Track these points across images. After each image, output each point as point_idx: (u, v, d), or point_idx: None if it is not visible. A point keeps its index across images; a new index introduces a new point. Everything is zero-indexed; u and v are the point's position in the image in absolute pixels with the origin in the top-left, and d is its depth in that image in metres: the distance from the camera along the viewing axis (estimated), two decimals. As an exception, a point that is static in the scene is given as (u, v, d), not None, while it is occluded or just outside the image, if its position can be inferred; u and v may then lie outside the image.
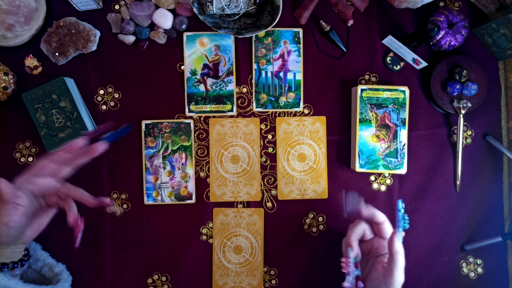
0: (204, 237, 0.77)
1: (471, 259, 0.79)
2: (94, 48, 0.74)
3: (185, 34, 0.76)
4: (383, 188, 0.78)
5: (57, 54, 0.73)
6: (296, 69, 0.77)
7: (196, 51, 0.77)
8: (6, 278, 0.59)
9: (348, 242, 0.66)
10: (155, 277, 0.77)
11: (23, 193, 0.58)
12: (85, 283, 0.75)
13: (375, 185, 0.78)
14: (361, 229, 0.67)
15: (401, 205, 0.62)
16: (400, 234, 0.62)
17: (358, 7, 0.77)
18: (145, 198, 0.76)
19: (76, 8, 0.74)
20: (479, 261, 0.79)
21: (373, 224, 0.67)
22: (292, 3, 0.77)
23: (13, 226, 0.57)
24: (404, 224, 0.62)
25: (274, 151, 0.78)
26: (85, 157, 0.61)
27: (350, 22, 0.77)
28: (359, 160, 0.74)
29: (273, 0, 0.73)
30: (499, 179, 0.80)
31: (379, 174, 0.78)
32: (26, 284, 0.60)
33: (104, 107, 0.76)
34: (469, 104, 0.75)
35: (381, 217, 0.66)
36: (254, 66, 0.77)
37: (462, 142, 0.77)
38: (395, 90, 0.74)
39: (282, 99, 0.77)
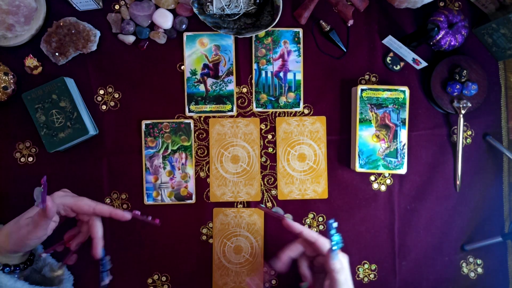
0: (204, 237, 0.77)
1: (471, 259, 0.79)
2: (94, 48, 0.74)
3: (185, 34, 0.76)
4: (383, 188, 0.78)
5: (57, 54, 0.73)
6: (296, 69, 0.77)
7: (196, 51, 0.77)
8: (13, 280, 0.59)
9: (280, 257, 0.64)
10: (155, 277, 0.77)
11: (56, 211, 0.61)
12: (85, 283, 0.75)
13: (375, 185, 0.78)
14: (296, 247, 0.64)
15: (332, 225, 0.57)
16: (335, 253, 0.58)
17: (358, 7, 0.77)
18: (145, 198, 0.76)
19: (76, 8, 0.74)
20: (479, 261, 0.79)
21: (310, 243, 0.63)
22: (292, 3, 0.77)
23: (43, 239, 0.62)
24: (336, 244, 0.58)
25: (274, 151, 0.78)
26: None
27: (350, 22, 0.77)
28: (359, 160, 0.74)
29: (273, 0, 0.73)
30: (499, 179, 0.80)
31: (379, 174, 0.78)
32: (32, 286, 0.61)
33: (104, 107, 0.76)
34: (469, 104, 0.75)
35: (312, 235, 0.62)
36: (254, 66, 0.77)
37: (462, 142, 0.77)
38: (395, 90, 0.74)
39: (282, 99, 0.77)
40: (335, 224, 0.58)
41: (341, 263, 0.59)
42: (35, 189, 0.57)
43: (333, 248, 0.58)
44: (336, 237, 0.58)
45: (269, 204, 0.77)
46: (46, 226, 0.60)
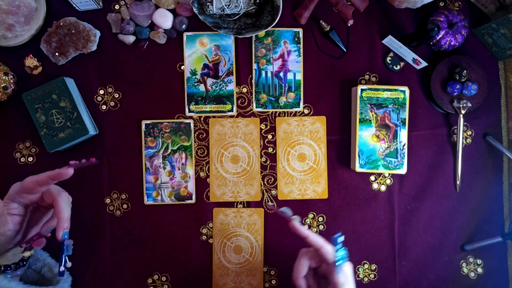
0: (204, 237, 0.77)
1: (471, 259, 0.79)
2: (94, 48, 0.74)
3: (185, 34, 0.76)
4: (383, 188, 0.78)
5: (57, 54, 0.73)
6: (296, 69, 0.77)
7: (196, 51, 0.77)
8: (7, 280, 0.59)
9: (295, 283, 0.62)
10: (155, 277, 0.77)
11: (16, 203, 0.59)
12: (85, 283, 0.75)
13: (375, 185, 0.78)
14: (303, 266, 0.62)
15: (337, 240, 0.57)
16: (339, 267, 0.57)
17: (358, 7, 0.77)
18: (145, 198, 0.76)
19: (76, 8, 0.74)
20: (479, 261, 0.79)
21: (315, 251, 0.61)
22: (292, 3, 0.77)
23: (9, 235, 0.59)
24: (341, 259, 0.56)
25: (274, 151, 0.78)
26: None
27: (350, 22, 0.77)
28: (359, 160, 0.74)
29: (273, 0, 0.73)
30: (499, 179, 0.80)
31: (379, 174, 0.78)
32: (26, 285, 0.60)
33: (104, 107, 0.76)
34: (469, 104, 0.75)
35: (318, 241, 0.60)
36: (254, 66, 0.77)
37: (462, 142, 0.77)
38: (395, 90, 0.74)
39: (282, 99, 0.77)
40: (340, 239, 0.56)
41: (345, 276, 0.58)
42: None
43: (338, 263, 0.56)
44: (341, 252, 0.56)
45: (269, 204, 0.77)
46: (4, 222, 0.58)
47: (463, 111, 0.76)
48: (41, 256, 0.71)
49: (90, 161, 0.62)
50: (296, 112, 0.78)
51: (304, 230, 0.61)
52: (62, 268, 0.59)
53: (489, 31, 0.75)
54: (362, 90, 0.74)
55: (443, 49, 0.76)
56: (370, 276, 0.78)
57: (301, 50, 0.77)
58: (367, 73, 0.78)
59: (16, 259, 0.63)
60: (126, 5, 0.75)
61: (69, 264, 0.60)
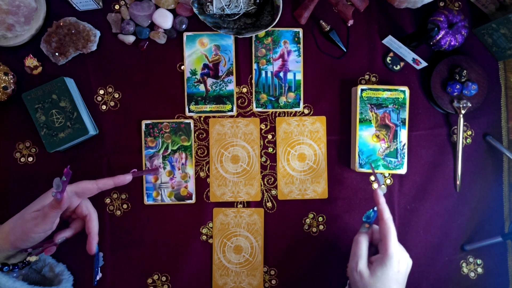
0: (204, 237, 0.77)
1: (471, 259, 0.79)
2: (94, 48, 0.74)
3: (185, 34, 0.76)
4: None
5: (57, 54, 0.73)
6: (296, 69, 0.77)
7: (196, 51, 0.77)
8: (12, 280, 0.59)
9: (355, 269, 0.63)
10: (155, 277, 0.77)
11: None
12: (85, 283, 0.75)
13: (375, 185, 0.78)
14: (364, 249, 0.65)
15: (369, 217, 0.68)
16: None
17: (358, 7, 0.77)
18: (145, 198, 0.76)
19: (76, 8, 0.74)
20: (479, 261, 0.79)
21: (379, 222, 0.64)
22: (292, 3, 0.77)
23: (48, 234, 0.60)
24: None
25: (274, 151, 0.78)
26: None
27: (350, 22, 0.77)
28: (359, 160, 0.74)
29: (273, 0, 0.73)
30: (499, 179, 0.80)
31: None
32: (31, 286, 0.61)
33: (104, 107, 0.76)
34: (469, 104, 0.75)
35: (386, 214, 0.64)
36: (254, 66, 0.77)
37: (462, 142, 0.77)
38: (395, 90, 0.74)
39: (282, 99, 0.77)
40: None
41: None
42: (55, 179, 0.55)
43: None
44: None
45: (269, 204, 0.77)
46: (55, 218, 0.58)
47: (463, 111, 0.76)
48: (41, 255, 0.71)
49: (154, 169, 0.72)
50: (296, 112, 0.78)
51: (382, 201, 0.65)
52: (98, 278, 0.65)
53: (489, 31, 0.75)
54: (362, 90, 0.74)
55: (443, 49, 0.76)
56: (370, 276, 0.78)
57: (301, 50, 0.77)
58: (367, 73, 0.78)
59: (21, 258, 0.64)
60: (126, 5, 0.75)
61: (100, 275, 0.66)
